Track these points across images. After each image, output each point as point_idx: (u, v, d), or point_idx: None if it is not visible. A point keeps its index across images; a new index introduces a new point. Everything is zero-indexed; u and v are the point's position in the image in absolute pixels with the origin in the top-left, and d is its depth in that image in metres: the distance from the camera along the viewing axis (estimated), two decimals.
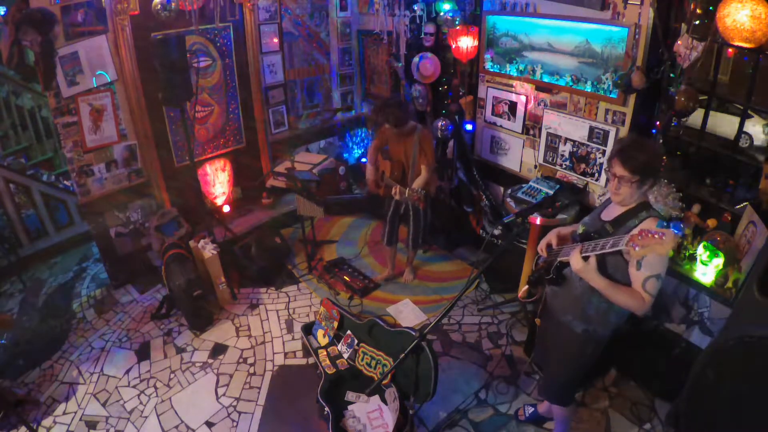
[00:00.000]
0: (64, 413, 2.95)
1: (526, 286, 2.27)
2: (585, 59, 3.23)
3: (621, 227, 1.87)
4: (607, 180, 1.98)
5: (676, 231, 1.58)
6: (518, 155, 3.99)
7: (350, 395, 2.84)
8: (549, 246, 2.17)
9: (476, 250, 4.26)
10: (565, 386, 2.35)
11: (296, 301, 3.92)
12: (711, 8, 2.32)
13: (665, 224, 1.64)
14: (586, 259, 1.81)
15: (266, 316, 3.75)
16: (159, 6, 3.51)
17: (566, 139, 3.56)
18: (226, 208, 4.72)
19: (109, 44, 3.56)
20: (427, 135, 3.44)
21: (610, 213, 1.99)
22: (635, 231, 1.63)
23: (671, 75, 2.79)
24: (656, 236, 1.51)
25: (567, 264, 1.98)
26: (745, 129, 3.01)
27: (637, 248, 1.54)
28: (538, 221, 3.14)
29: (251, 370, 3.25)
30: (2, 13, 3.18)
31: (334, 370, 3.00)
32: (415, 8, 4.16)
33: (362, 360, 3.01)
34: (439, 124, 4.19)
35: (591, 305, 2.00)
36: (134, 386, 3.14)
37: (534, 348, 2.74)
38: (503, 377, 3.12)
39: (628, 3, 2.87)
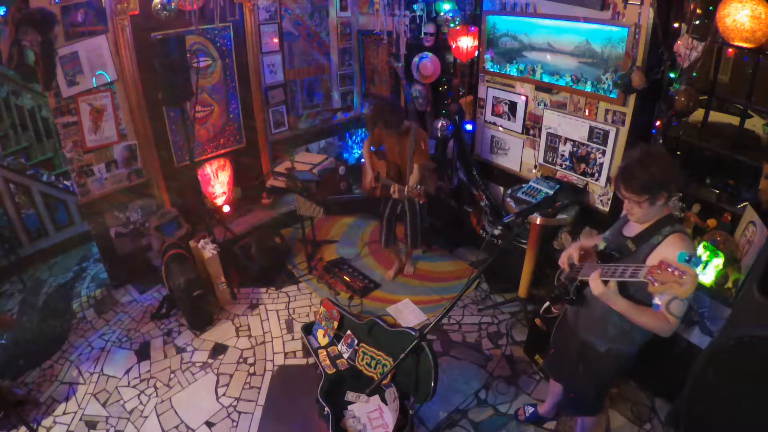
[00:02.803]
0: (64, 413, 2.95)
1: (547, 304, 2.18)
2: (585, 59, 3.23)
3: (644, 244, 1.78)
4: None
5: (697, 266, 1.42)
6: (518, 155, 3.99)
7: (350, 395, 2.84)
8: (571, 262, 2.04)
9: (476, 250, 4.26)
10: (593, 400, 2.30)
11: (296, 301, 3.92)
12: (711, 8, 2.32)
13: (687, 256, 1.44)
14: (606, 281, 1.71)
15: (266, 316, 3.75)
16: (159, 6, 3.50)
17: (566, 139, 3.56)
18: (226, 208, 4.72)
19: (109, 44, 3.56)
20: (423, 134, 3.47)
21: (632, 228, 1.88)
22: (653, 260, 1.52)
23: (671, 75, 2.79)
24: (676, 273, 1.40)
25: (587, 284, 1.85)
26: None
27: (656, 284, 1.45)
28: (538, 221, 3.14)
29: (251, 370, 3.25)
30: (2, 13, 3.17)
31: (334, 370, 3.00)
32: (415, 8, 4.16)
33: (362, 360, 3.01)
34: (439, 124, 4.19)
35: (613, 325, 1.93)
36: (134, 386, 3.14)
37: (548, 362, 2.64)
38: (503, 377, 3.12)
39: (628, 3, 2.87)
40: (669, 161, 1.75)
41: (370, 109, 3.81)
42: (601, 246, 1.96)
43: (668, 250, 1.67)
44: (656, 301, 1.66)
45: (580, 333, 2.11)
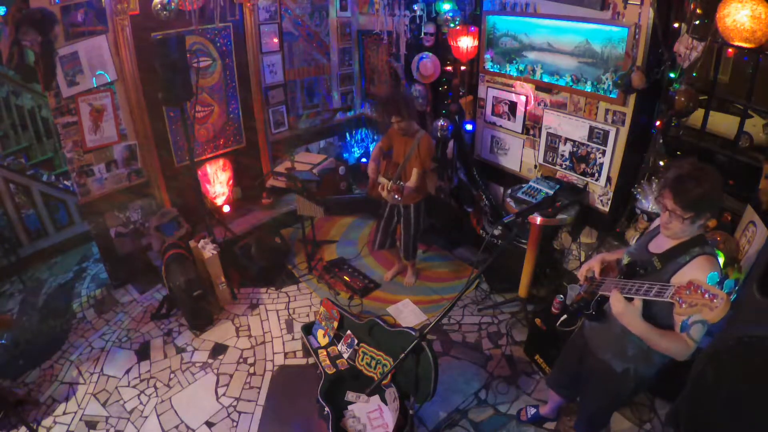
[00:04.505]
0: (64, 413, 2.95)
1: (564, 317, 2.11)
2: (585, 59, 3.23)
3: (670, 263, 1.71)
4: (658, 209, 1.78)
5: (730, 289, 1.33)
6: (518, 155, 3.99)
7: (350, 395, 2.84)
8: (591, 275, 1.98)
9: (476, 250, 4.26)
10: (605, 417, 2.29)
11: (296, 301, 3.92)
12: (711, 8, 2.32)
13: (718, 278, 1.36)
14: (630, 298, 1.64)
15: (266, 316, 3.75)
16: (159, 6, 3.50)
17: (566, 139, 3.56)
18: (226, 208, 4.72)
19: (109, 44, 3.55)
20: (428, 140, 3.37)
21: (660, 244, 1.81)
22: (683, 280, 1.44)
23: (671, 75, 2.79)
24: (706, 296, 1.32)
25: (608, 299, 1.79)
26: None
27: (683, 305, 1.36)
28: (538, 221, 3.15)
29: (251, 370, 3.25)
30: (2, 13, 3.17)
31: (334, 370, 3.00)
32: (415, 8, 4.16)
33: (362, 360, 3.01)
34: (439, 124, 4.19)
35: (632, 344, 1.87)
36: (134, 386, 3.14)
37: (554, 378, 2.58)
38: (503, 377, 3.12)
39: (628, 3, 2.87)
40: (721, 181, 1.64)
41: (384, 98, 3.61)
42: (626, 260, 1.88)
43: (695, 272, 1.60)
44: (684, 320, 1.55)
45: (596, 351, 2.05)
